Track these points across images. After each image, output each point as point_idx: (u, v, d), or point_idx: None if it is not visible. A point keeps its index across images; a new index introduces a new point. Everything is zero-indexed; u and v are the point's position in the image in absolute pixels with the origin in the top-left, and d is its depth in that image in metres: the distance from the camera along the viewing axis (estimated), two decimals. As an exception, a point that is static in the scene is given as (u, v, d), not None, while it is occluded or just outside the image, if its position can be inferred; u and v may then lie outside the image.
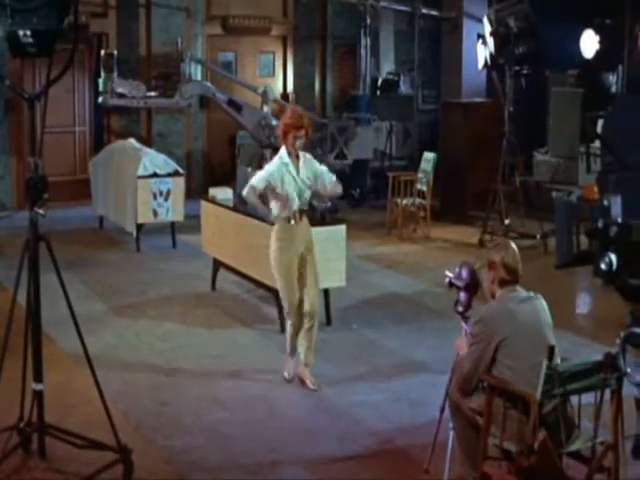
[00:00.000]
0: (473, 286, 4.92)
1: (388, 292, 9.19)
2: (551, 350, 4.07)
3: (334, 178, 6.75)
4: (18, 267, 4.84)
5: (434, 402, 5.95)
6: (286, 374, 6.64)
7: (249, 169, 10.01)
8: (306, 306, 6.55)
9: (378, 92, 15.67)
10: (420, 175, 12.02)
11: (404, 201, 11.86)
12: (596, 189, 4.22)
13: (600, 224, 4.04)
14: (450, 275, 5.01)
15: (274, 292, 7.75)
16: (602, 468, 4.32)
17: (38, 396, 4.90)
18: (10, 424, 5.12)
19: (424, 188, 11.96)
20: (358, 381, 6.64)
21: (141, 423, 5.81)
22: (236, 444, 5.56)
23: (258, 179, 6.55)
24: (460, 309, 4.90)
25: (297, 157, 6.57)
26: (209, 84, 13.19)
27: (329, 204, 13.22)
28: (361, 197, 14.56)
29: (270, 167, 6.61)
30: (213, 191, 9.17)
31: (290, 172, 6.51)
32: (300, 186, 6.54)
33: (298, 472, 5.23)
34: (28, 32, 4.41)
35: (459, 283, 4.91)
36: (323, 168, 6.73)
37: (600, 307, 8.87)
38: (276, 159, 6.62)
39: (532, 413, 4.08)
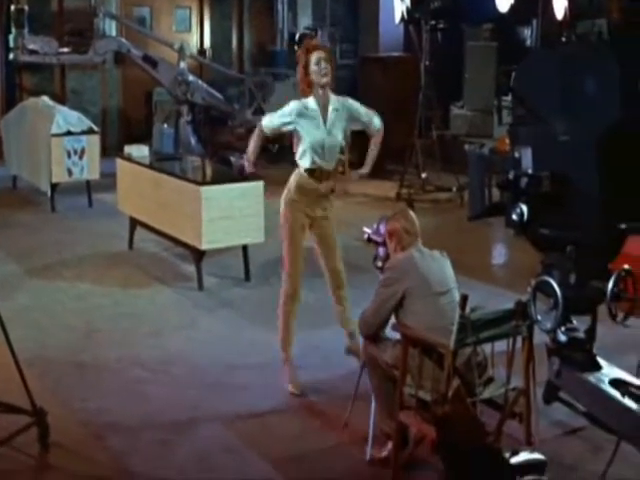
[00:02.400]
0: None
1: (306, 247, 9.15)
2: (464, 300, 4.11)
3: (379, 122, 5.91)
4: None
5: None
6: (291, 387, 5.68)
7: (165, 125, 9.89)
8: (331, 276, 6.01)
9: (296, 47, 15.56)
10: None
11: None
12: (507, 141, 4.26)
13: (511, 176, 4.08)
14: (368, 231, 5.04)
15: (192, 250, 7.72)
16: (514, 414, 4.40)
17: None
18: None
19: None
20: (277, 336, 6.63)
21: (58, 386, 5.73)
22: (155, 404, 5.52)
23: (269, 118, 5.76)
24: (379, 264, 4.93)
25: (325, 105, 5.64)
26: (124, 40, 12.97)
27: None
28: (279, 152, 14.50)
29: (286, 110, 5.68)
30: (129, 149, 9.03)
31: (313, 117, 5.62)
32: (325, 137, 5.64)
33: (215, 428, 5.22)
34: None
35: (377, 238, 4.94)
36: (364, 109, 5.83)
37: (514, 257, 9.07)
38: (294, 102, 5.71)
39: (446, 362, 4.13)
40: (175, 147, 9.87)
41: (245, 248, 7.83)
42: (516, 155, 4.09)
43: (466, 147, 6.65)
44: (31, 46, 12.16)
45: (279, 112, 5.74)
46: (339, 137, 5.76)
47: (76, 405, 5.47)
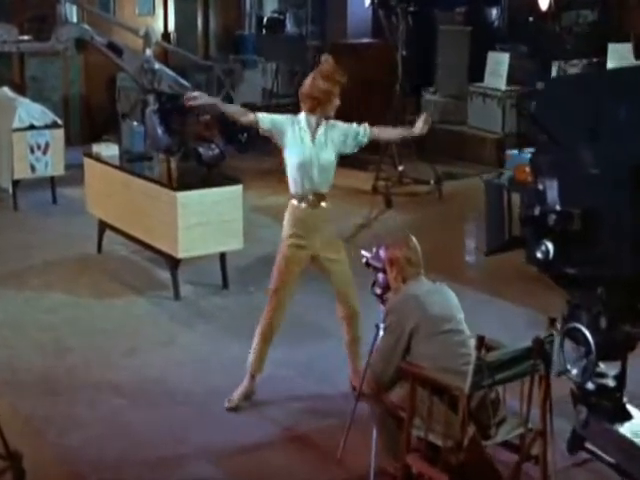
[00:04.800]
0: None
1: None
2: (480, 341, 3.80)
3: (366, 128, 5.51)
4: None
5: (342, 375, 5.73)
6: (233, 398, 5.47)
7: (135, 123, 9.44)
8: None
9: (264, 31, 15.16)
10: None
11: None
12: (528, 170, 3.93)
13: (537, 211, 3.75)
14: (367, 255, 4.69)
15: (168, 257, 7.35)
16: (529, 456, 4.12)
17: None
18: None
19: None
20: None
21: (31, 416, 5.35)
22: (136, 436, 5.16)
23: (265, 114, 5.45)
24: (377, 291, 4.59)
25: (317, 124, 5.36)
26: (86, 26, 12.34)
27: (216, 151, 12.79)
28: (249, 142, 14.10)
29: (281, 116, 5.47)
30: (97, 147, 8.59)
31: (301, 133, 5.31)
32: (313, 153, 5.29)
33: (202, 465, 4.88)
34: None
35: (377, 264, 4.58)
36: (348, 126, 5.46)
37: (501, 257, 8.76)
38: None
39: (461, 407, 3.82)
40: (146, 145, 9.47)
41: (223, 255, 7.46)
42: (540, 187, 3.77)
43: (484, 177, 6.30)
44: (-9, 34, 11.60)
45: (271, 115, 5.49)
46: (330, 156, 5.38)
47: (52, 439, 5.11)
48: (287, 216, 5.50)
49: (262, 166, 12.68)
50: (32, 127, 10.27)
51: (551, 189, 3.74)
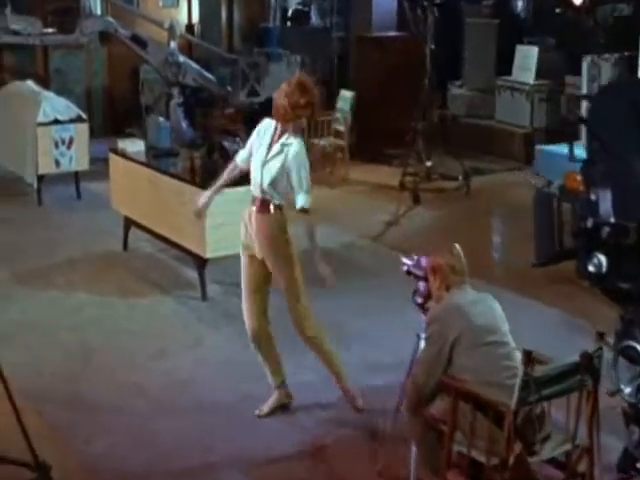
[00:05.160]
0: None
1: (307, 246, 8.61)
2: (527, 356, 3.63)
3: (303, 201, 5.09)
4: None
5: (374, 384, 5.58)
6: (264, 409, 5.35)
7: (161, 119, 9.30)
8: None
9: (288, 23, 14.97)
10: (338, 115, 11.46)
11: (321, 142, 11.31)
12: (579, 178, 3.75)
13: (589, 224, 3.57)
14: (408, 262, 4.50)
15: (195, 257, 7.21)
16: (576, 474, 3.95)
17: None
18: None
19: (341, 128, 11.41)
20: (285, 359, 6.11)
21: (56, 422, 5.23)
22: (163, 444, 5.03)
23: (241, 151, 5.43)
24: (419, 300, 4.41)
25: (281, 134, 5.12)
26: (111, 19, 12.24)
27: (241, 144, 12.61)
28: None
29: (254, 132, 5.30)
30: (123, 143, 8.46)
31: (263, 140, 5.16)
32: (262, 165, 5.11)
33: (232, 476, 4.74)
34: None
35: (418, 272, 4.39)
36: (300, 176, 5.05)
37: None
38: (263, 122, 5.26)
39: (507, 424, 3.66)
40: (171, 140, 9.34)
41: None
42: (592, 198, 3.59)
43: (533, 182, 6.11)
44: (14, 26, 11.48)
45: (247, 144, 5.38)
46: (271, 174, 5.11)
47: (78, 447, 4.98)
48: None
49: (285, 159, 12.52)
50: (57, 121, 10.17)
51: (604, 200, 3.56)
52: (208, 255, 6.95)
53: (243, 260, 5.37)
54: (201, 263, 7.09)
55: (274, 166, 5.09)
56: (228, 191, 6.98)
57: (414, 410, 4.15)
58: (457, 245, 4.33)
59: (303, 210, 5.11)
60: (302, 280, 5.26)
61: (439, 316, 4.14)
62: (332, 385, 5.55)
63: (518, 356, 3.80)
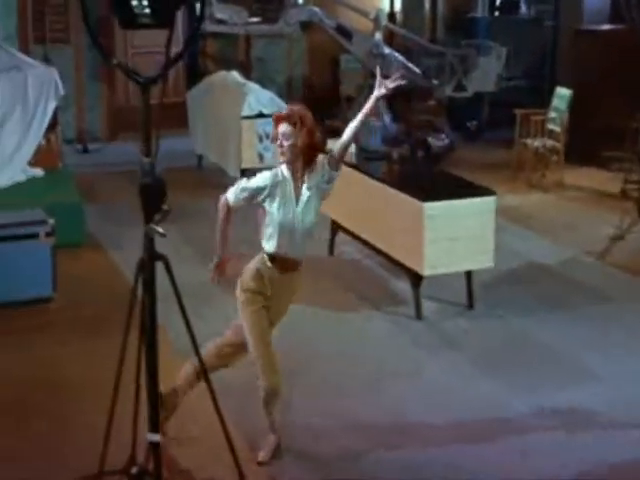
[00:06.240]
0: None
1: (526, 261, 7.98)
2: None
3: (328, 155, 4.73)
4: (131, 294, 3.84)
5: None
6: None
7: (372, 120, 8.87)
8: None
9: (496, 13, 14.25)
10: (553, 114, 10.71)
11: (535, 142, 10.61)
12: None
13: None
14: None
15: (407, 270, 6.76)
16: None
17: (154, 448, 3.97)
18: (118, 467, 4.24)
19: (557, 128, 10.67)
20: (520, 393, 5.55)
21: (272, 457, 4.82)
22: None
23: (237, 189, 4.73)
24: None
25: (301, 180, 4.65)
26: (316, 9, 11.97)
27: (446, 141, 12.09)
28: (478, 130, 13.35)
29: (260, 177, 4.69)
30: (332, 144, 8.02)
31: (286, 192, 4.61)
32: (295, 219, 4.62)
33: None
34: (145, 1, 3.37)
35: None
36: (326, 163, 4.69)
37: None
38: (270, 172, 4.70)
39: None
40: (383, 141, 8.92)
41: (469, 273, 6.78)
42: None
43: None
44: (219, 15, 11.36)
45: (246, 183, 4.72)
46: (311, 220, 4.69)
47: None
48: (249, 266, 4.81)
49: (491, 158, 11.94)
50: (261, 115, 9.94)
51: None
52: (426, 272, 6.47)
53: (256, 312, 4.71)
54: (416, 280, 6.61)
55: (312, 208, 4.69)
56: (452, 203, 6.53)
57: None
58: None
59: None
60: None
61: None
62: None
63: None
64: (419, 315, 6.63)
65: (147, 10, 3.40)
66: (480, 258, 6.58)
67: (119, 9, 3.43)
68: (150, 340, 3.82)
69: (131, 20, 3.47)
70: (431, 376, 5.80)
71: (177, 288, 3.89)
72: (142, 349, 3.90)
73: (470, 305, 6.84)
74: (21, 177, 8.80)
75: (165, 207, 3.73)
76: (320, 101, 13.81)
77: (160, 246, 3.83)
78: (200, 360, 4.25)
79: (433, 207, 6.40)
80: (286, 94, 13.43)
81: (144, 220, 3.73)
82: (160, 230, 3.73)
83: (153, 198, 3.67)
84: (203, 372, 4.26)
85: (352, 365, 5.94)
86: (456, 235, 6.43)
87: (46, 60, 11.80)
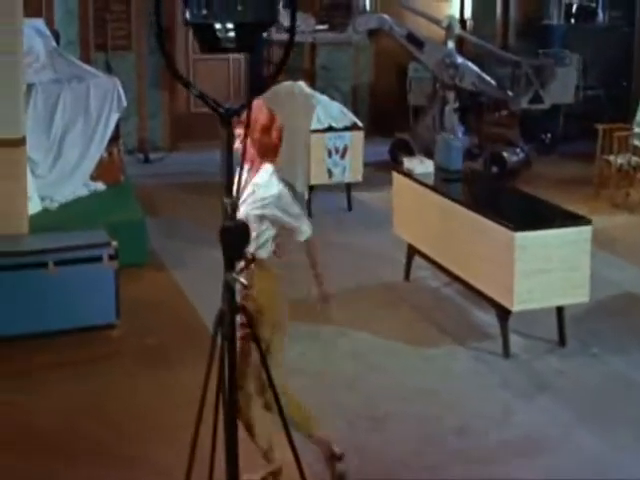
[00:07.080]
0: None
1: (618, 291, 7.42)
2: None
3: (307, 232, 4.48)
4: (210, 349, 3.39)
5: None
6: None
7: (451, 136, 8.39)
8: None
9: (572, 21, 13.65)
10: (637, 129, 10.12)
11: (618, 159, 10.04)
12: None
13: None
14: None
15: (493, 303, 6.27)
16: None
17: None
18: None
19: (644, 145, 10.08)
20: (630, 450, 4.99)
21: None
22: None
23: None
24: None
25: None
26: (386, 17, 11.51)
27: (521, 155, 11.54)
28: (552, 143, 12.78)
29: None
30: (409, 163, 7.58)
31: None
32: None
33: None
34: (230, 25, 2.96)
35: None
36: (293, 208, 4.37)
37: None
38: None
39: None
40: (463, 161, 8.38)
41: (560, 309, 6.26)
42: None
43: None
44: (286, 23, 10.92)
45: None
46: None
47: None
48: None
49: (567, 173, 11.41)
50: (331, 129, 9.51)
51: None
52: (515, 308, 5.96)
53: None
54: (504, 314, 6.11)
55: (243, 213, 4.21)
56: (545, 233, 6.04)
57: None
58: None
59: None
60: None
61: None
62: None
63: None
64: (507, 353, 6.12)
65: (231, 34, 2.99)
66: (574, 292, 6.06)
67: (201, 34, 3.02)
68: (230, 402, 3.38)
69: (214, 45, 3.06)
70: (522, 423, 5.29)
71: (262, 348, 3.47)
72: (219, 409, 3.46)
73: (562, 342, 6.31)
74: (83, 191, 8.47)
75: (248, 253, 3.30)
76: (386, 110, 13.39)
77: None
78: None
79: (525, 237, 5.89)
80: (351, 103, 13.02)
81: (224, 267, 3.30)
82: (242, 280, 3.31)
83: (235, 243, 3.24)
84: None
85: (435, 407, 5.48)
86: (549, 267, 5.92)
87: (108, 67, 11.54)
